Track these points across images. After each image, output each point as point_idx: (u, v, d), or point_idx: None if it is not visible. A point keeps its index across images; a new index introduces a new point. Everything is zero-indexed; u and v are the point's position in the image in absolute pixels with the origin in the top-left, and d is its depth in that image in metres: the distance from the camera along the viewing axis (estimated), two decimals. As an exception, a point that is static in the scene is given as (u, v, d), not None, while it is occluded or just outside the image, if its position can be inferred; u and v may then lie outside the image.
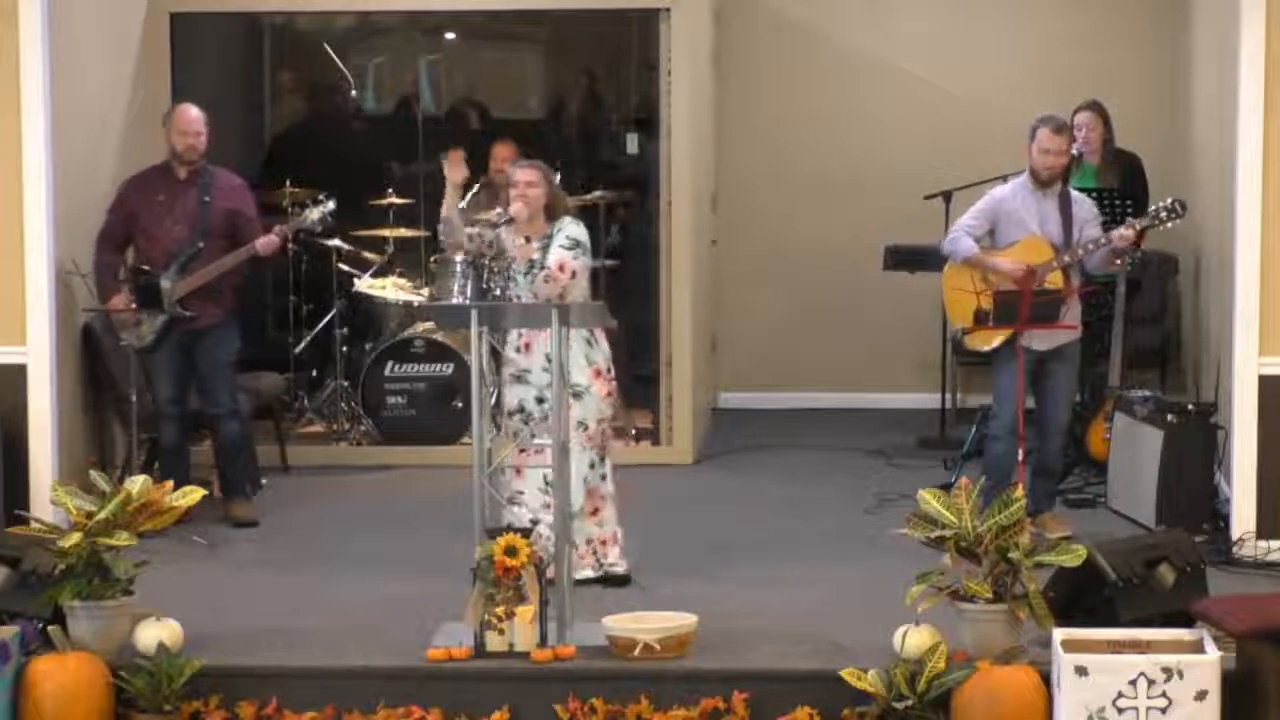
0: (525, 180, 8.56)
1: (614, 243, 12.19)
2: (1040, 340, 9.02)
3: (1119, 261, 9.43)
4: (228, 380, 9.68)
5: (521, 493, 8.40)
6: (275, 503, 10.09)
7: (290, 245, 11.58)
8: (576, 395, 8.38)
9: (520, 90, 13.55)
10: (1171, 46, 12.11)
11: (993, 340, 9.07)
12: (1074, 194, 9.21)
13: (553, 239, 8.55)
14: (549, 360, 8.33)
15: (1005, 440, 9.08)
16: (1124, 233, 9.03)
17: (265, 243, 9.55)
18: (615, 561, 8.56)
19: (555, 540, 7.69)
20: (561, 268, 8.45)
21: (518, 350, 8.50)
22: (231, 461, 9.75)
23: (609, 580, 8.48)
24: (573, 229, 8.60)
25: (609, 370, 8.60)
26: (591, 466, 8.50)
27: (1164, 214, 9.20)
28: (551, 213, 8.62)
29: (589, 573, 8.43)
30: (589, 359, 8.52)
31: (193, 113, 9.64)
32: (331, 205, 9.95)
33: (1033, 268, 8.97)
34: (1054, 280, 9.00)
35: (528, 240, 8.54)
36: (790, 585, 8.46)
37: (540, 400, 8.41)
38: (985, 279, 9.07)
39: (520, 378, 8.49)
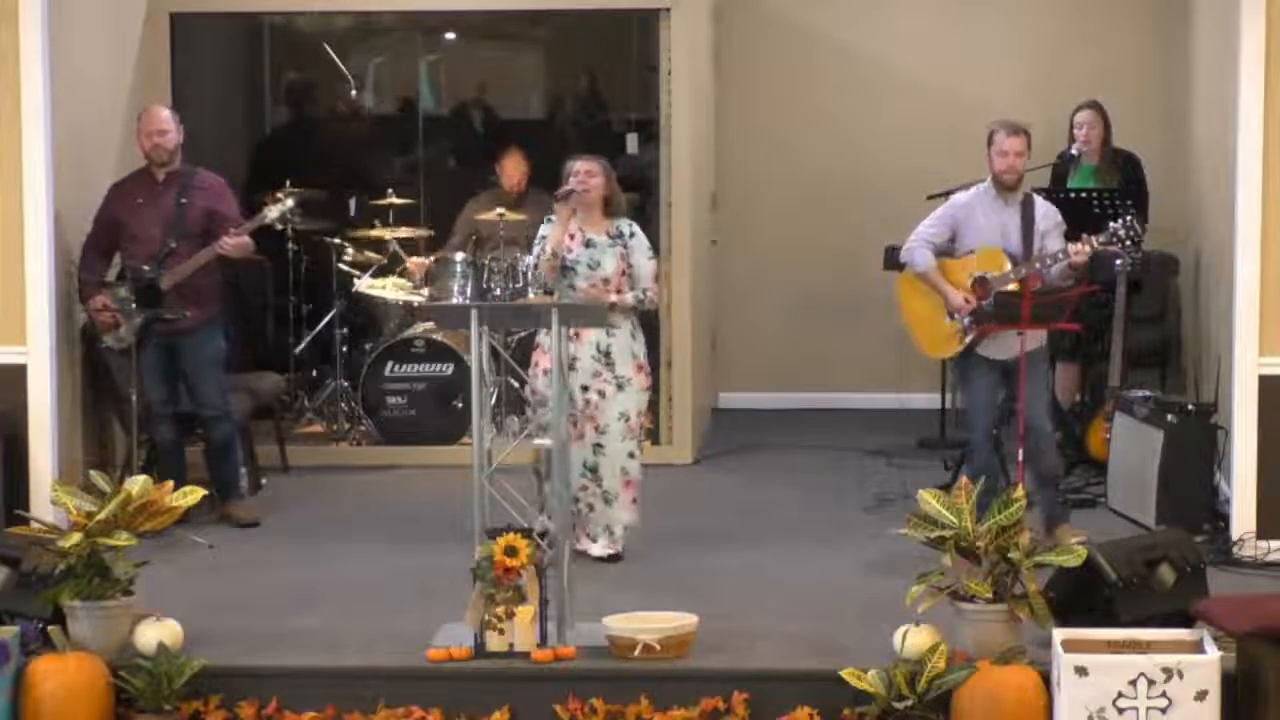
0: (585, 169, 8.80)
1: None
2: (998, 349, 8.93)
3: (1127, 269, 9.25)
4: (216, 381, 9.64)
5: None
6: (275, 503, 10.09)
7: (291, 245, 11.62)
8: (620, 387, 8.74)
9: (520, 90, 13.55)
10: (1171, 46, 12.10)
11: (950, 348, 9.05)
12: (1038, 202, 9.06)
13: (627, 244, 8.77)
14: (597, 350, 8.67)
15: (985, 450, 9.01)
16: (1079, 248, 8.82)
17: (235, 242, 9.47)
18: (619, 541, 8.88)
19: (557, 538, 7.70)
20: (657, 279, 8.88)
21: (569, 339, 8.53)
22: (223, 462, 9.72)
23: (610, 558, 8.81)
24: (643, 235, 8.88)
25: (648, 364, 8.90)
26: (631, 456, 8.80)
27: (1122, 231, 8.99)
28: (610, 209, 8.83)
29: (600, 552, 8.77)
30: (634, 352, 8.82)
31: (162, 113, 9.59)
32: (291, 203, 9.88)
33: (987, 279, 8.89)
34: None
35: (580, 232, 8.75)
36: (790, 585, 8.46)
37: (585, 389, 8.69)
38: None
39: (570, 365, 8.58)
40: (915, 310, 9.16)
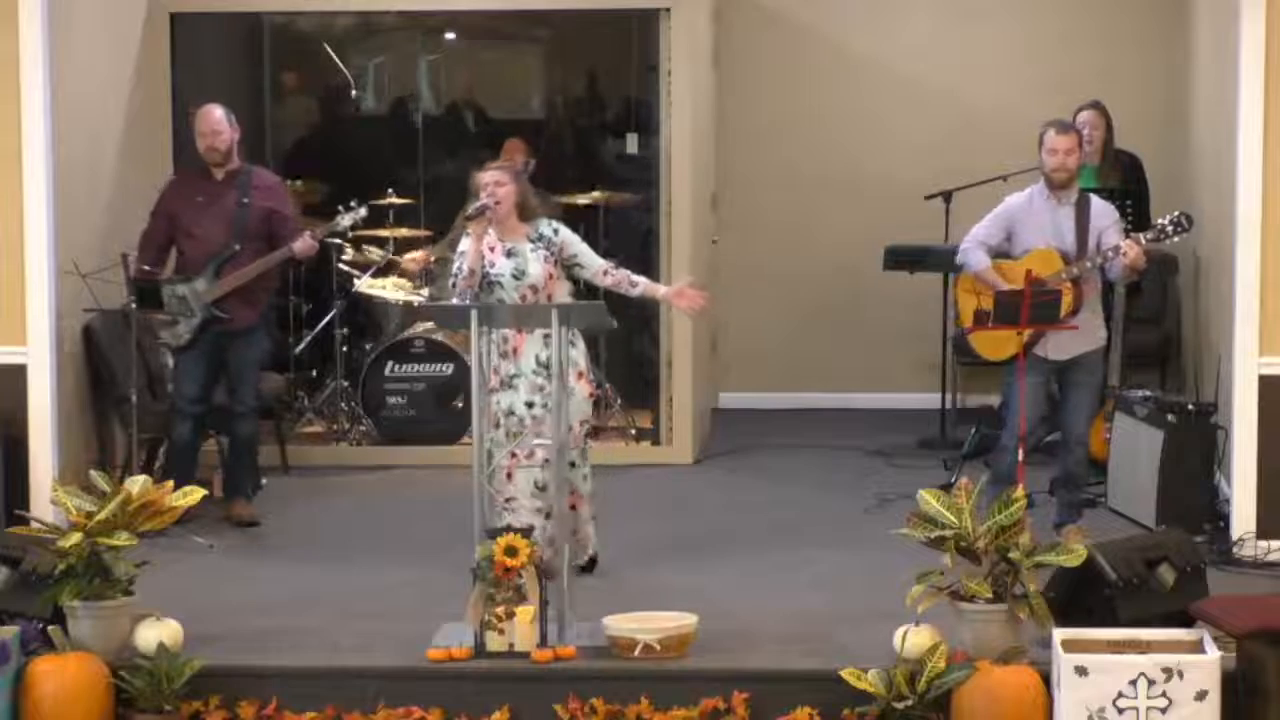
0: (493, 180, 8.53)
1: (614, 243, 12.18)
2: (1055, 349, 8.92)
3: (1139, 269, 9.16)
4: (254, 380, 9.72)
5: (513, 499, 8.39)
6: (275, 503, 10.09)
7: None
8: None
9: (520, 90, 13.54)
10: (1171, 46, 12.10)
11: (1005, 350, 8.99)
12: (1094, 201, 9.02)
13: (553, 243, 8.55)
14: (538, 363, 8.36)
15: (1012, 453, 8.91)
16: (1128, 245, 8.77)
17: (304, 246, 9.54)
18: (589, 549, 8.68)
19: (554, 541, 7.70)
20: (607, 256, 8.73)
21: (504, 356, 8.44)
22: (241, 461, 9.76)
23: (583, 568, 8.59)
24: (565, 228, 8.66)
25: (589, 370, 8.67)
26: (572, 465, 8.44)
27: (1170, 228, 8.95)
28: (525, 214, 8.61)
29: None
30: (573, 360, 8.41)
31: (215, 114, 9.63)
32: (364, 211, 10.01)
33: (1041, 280, 8.83)
34: (1065, 290, 8.86)
35: (502, 243, 8.53)
36: (790, 585, 8.46)
37: (529, 405, 8.42)
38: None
39: (508, 383, 8.44)
40: (969, 307, 9.10)
